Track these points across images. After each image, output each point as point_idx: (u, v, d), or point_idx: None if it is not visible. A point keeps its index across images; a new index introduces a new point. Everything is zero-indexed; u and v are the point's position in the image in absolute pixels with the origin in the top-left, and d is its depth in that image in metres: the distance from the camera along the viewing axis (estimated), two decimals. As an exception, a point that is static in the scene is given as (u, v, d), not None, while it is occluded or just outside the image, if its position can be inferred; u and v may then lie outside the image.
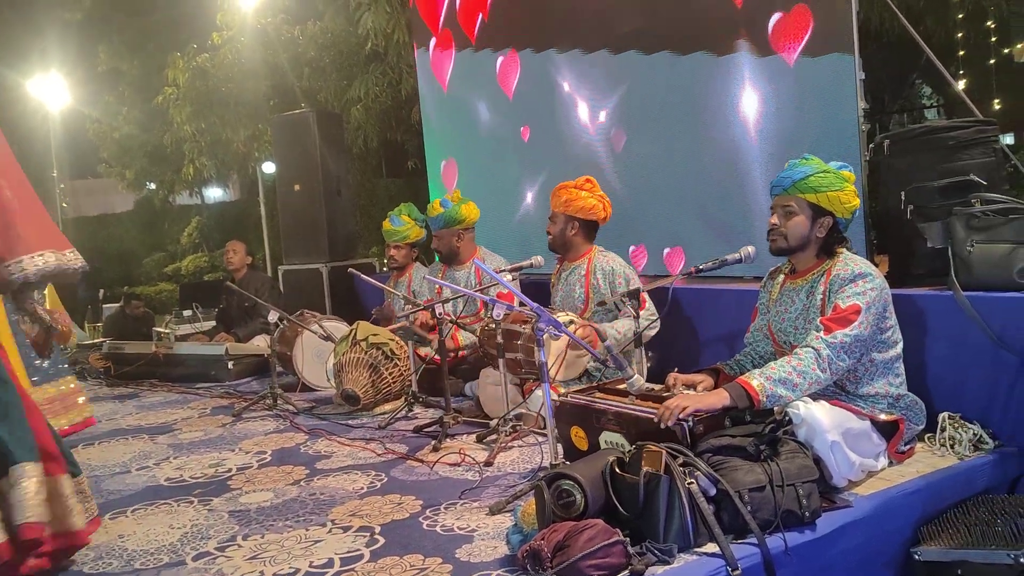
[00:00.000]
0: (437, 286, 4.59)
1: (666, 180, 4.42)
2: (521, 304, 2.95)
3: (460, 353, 4.22)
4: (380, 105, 9.23)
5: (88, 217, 21.84)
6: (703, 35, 4.08)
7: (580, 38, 4.87)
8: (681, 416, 2.28)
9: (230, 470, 3.24)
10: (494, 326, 3.53)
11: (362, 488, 2.88)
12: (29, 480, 2.07)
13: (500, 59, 5.51)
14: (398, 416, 3.81)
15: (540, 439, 3.21)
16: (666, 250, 4.46)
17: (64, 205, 18.73)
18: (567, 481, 2.12)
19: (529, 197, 5.48)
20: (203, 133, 10.98)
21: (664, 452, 2.12)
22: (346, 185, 7.59)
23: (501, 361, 3.20)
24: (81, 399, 3.21)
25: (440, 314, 3.45)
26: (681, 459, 2.15)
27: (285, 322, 4.62)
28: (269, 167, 17.60)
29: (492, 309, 3.13)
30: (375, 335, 4.01)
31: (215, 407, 4.56)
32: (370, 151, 10.90)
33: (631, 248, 4.65)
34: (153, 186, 22.43)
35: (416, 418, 3.83)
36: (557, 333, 2.53)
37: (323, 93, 10.98)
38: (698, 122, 4.17)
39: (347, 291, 7.03)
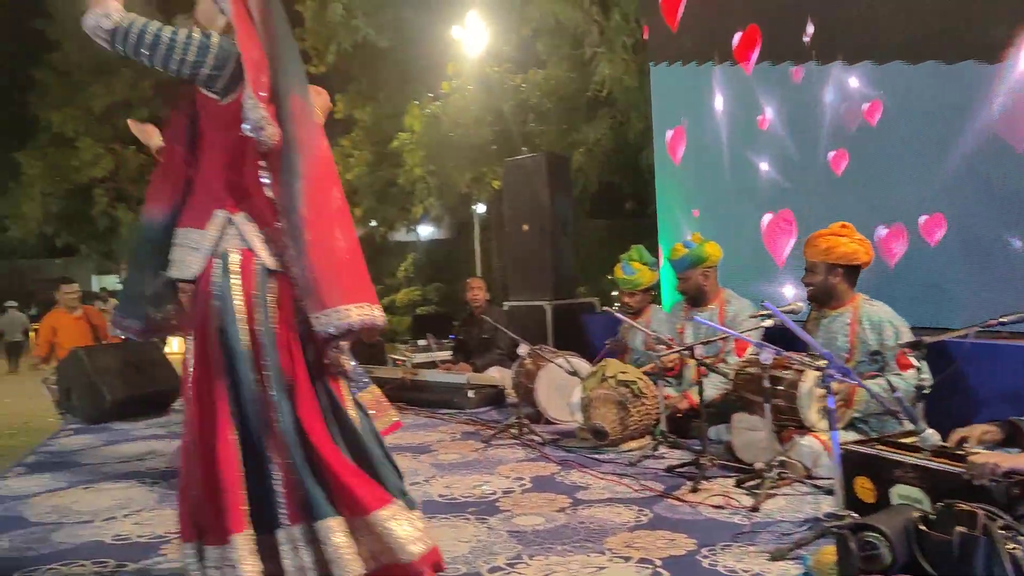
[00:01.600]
0: (679, 326, 4.64)
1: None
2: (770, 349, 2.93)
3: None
4: (601, 148, 9.50)
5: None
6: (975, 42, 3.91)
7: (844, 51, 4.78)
8: (996, 475, 2.17)
9: (495, 492, 3.43)
10: (755, 370, 3.52)
11: (629, 521, 2.95)
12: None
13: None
14: (646, 454, 3.87)
15: (805, 488, 3.16)
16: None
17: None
18: (872, 533, 2.08)
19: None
20: (433, 175, 11.77)
21: (981, 513, 2.03)
22: (570, 226, 7.84)
23: (767, 406, 3.18)
24: (385, 405, 3.52)
25: (700, 356, 3.49)
26: (1000, 522, 2.04)
27: (530, 355, 4.83)
28: (480, 207, 18.50)
29: (760, 353, 3.13)
30: (624, 372, 4.11)
31: (463, 432, 4.84)
32: (586, 193, 11.21)
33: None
34: (374, 223, 24.24)
35: (663, 457, 3.87)
36: (846, 380, 2.49)
37: (542, 138, 11.47)
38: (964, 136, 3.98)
39: (570, 328, 7.22)
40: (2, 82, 26.59)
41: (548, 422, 4.85)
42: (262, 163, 2.26)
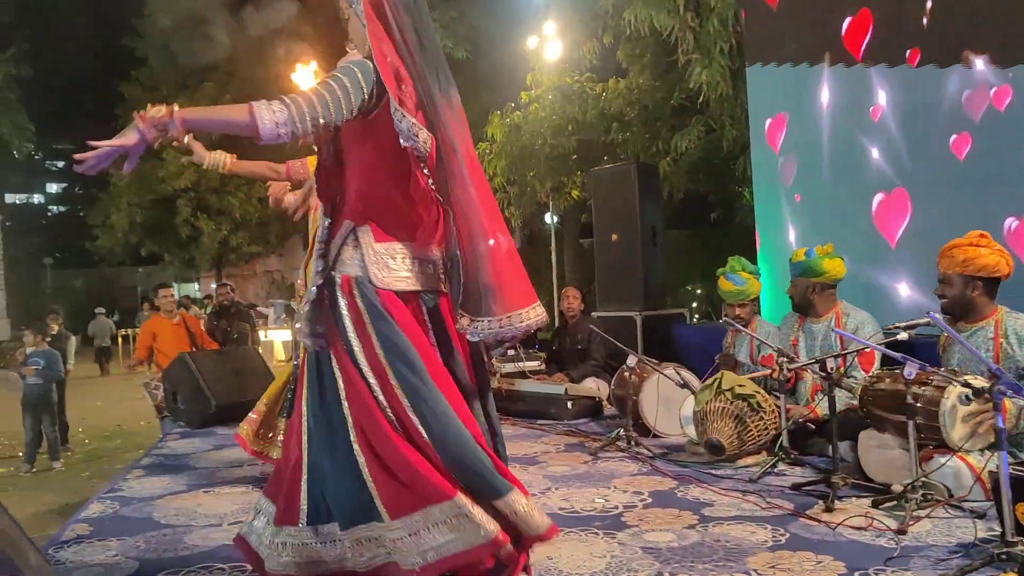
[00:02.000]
0: (792, 338, 4.50)
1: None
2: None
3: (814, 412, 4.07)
4: (688, 157, 9.36)
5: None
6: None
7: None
8: None
9: (617, 507, 3.36)
10: (886, 385, 3.38)
11: (767, 541, 2.84)
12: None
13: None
14: (766, 470, 3.74)
15: (951, 511, 3.01)
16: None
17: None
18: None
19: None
20: (513, 184, 11.78)
21: None
22: (660, 235, 7.72)
23: (911, 424, 3.04)
24: None
25: (832, 368, 3.36)
26: None
27: (638, 366, 4.75)
28: (550, 217, 18.45)
29: (903, 368, 2.99)
30: (741, 386, 4.00)
31: (566, 444, 4.78)
32: (669, 203, 11.07)
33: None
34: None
35: (784, 474, 3.75)
36: (1017, 398, 2.35)
37: (623, 147, 11.37)
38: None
39: (661, 339, 7.10)
40: (93, 97, 27.78)
41: (654, 435, 4.76)
42: (424, 171, 2.24)
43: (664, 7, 6.81)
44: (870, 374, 3.79)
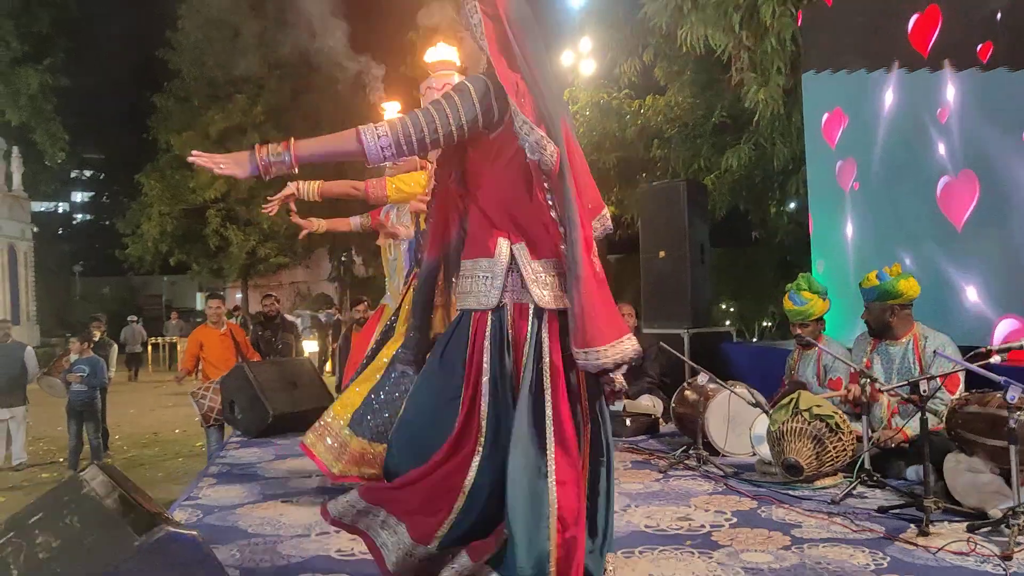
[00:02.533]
0: (865, 360, 4.46)
1: None
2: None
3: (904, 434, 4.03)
4: (732, 175, 9.34)
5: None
6: None
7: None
8: None
9: (703, 526, 3.33)
10: (975, 408, 3.35)
11: (868, 564, 2.81)
12: None
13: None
14: (847, 492, 3.71)
15: (1052, 538, 2.96)
16: None
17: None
18: None
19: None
20: (552, 201, 11.83)
21: None
22: (709, 253, 7.70)
23: (1013, 449, 3.00)
24: None
25: (925, 391, 3.33)
26: None
27: (708, 384, 4.72)
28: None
29: (1005, 392, 2.96)
30: (819, 406, 3.97)
31: (632, 461, 4.76)
32: (712, 221, 11.05)
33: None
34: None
35: (864, 497, 3.71)
36: None
37: (663, 165, 11.37)
38: None
39: (709, 357, 7.06)
40: (126, 108, 28.14)
41: (720, 453, 4.73)
42: (546, 186, 2.25)
43: (720, 25, 6.82)
44: (955, 396, 3.76)
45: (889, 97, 5.63)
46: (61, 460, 9.26)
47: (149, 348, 20.92)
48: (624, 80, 11.55)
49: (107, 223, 31.57)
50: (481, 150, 2.35)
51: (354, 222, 5.09)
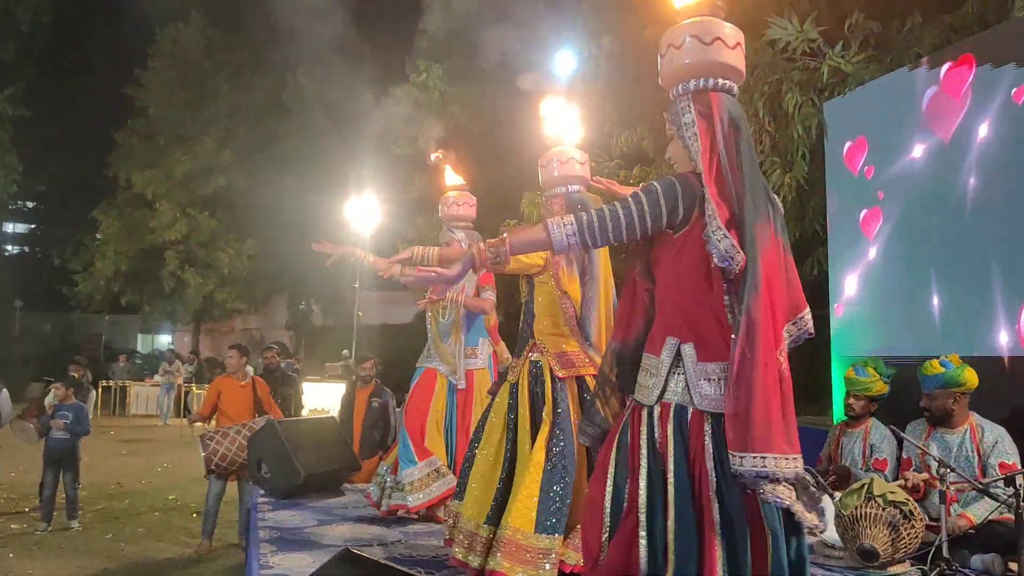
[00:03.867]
0: (919, 450, 4.58)
1: None
2: None
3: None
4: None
5: (373, 325, 23.60)
6: None
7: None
8: None
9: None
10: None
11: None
12: None
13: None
14: (927, 580, 3.78)
15: None
16: None
17: (360, 314, 20.64)
18: None
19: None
20: (541, 263, 11.94)
21: None
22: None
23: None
24: None
25: (954, 480, 3.44)
26: None
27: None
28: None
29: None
30: (892, 492, 4.05)
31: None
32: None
33: None
34: (429, 301, 24.40)
35: (942, 585, 3.78)
36: None
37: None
38: None
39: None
40: (83, 142, 27.51)
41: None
42: (727, 286, 2.28)
43: (745, 110, 7.08)
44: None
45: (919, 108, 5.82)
46: (27, 510, 8.78)
47: (99, 391, 20.08)
48: (617, 151, 11.83)
49: (51, 258, 30.53)
50: (663, 246, 2.41)
51: (396, 270, 5.05)
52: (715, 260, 2.24)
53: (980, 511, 4.18)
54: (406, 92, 17.56)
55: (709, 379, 2.27)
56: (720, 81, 2.42)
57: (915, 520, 4.02)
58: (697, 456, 2.22)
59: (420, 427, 4.70)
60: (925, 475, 4.26)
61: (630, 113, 11.20)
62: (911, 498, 4.11)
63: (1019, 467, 4.17)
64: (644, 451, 2.27)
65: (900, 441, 4.73)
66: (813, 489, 2.27)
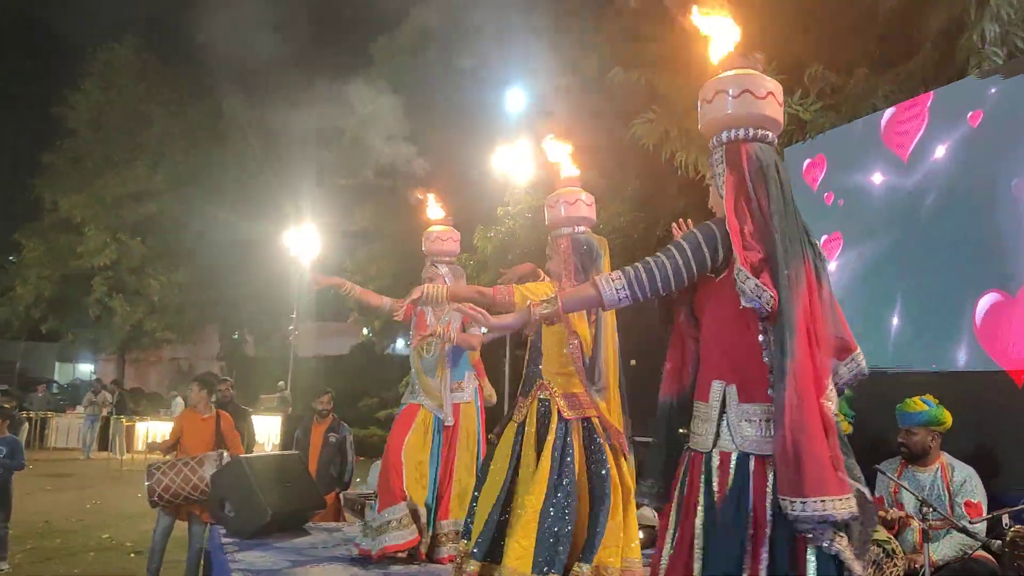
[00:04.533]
0: (891, 485, 4.71)
1: None
2: None
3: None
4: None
5: (308, 357, 23.10)
6: None
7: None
8: None
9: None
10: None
11: None
12: None
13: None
14: (911, 617, 3.86)
15: None
16: None
17: (294, 344, 20.24)
18: None
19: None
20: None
21: None
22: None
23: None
24: None
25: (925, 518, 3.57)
26: None
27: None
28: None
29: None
30: (875, 531, 4.14)
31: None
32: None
33: None
34: (366, 331, 24.13)
35: (925, 621, 3.88)
36: None
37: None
38: None
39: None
40: (6, 162, 26.41)
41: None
42: (762, 326, 2.31)
43: (707, 153, 7.29)
44: (1011, 527, 4.01)
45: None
46: (-53, 553, 8.22)
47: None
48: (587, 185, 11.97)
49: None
50: (706, 291, 2.46)
51: (386, 303, 5.02)
52: (742, 301, 2.28)
53: (947, 550, 4.31)
54: (351, 125, 17.42)
55: (750, 420, 2.30)
56: (752, 131, 2.48)
57: (897, 558, 4.12)
58: (758, 504, 2.22)
59: (395, 468, 4.61)
60: (902, 512, 4.37)
61: (584, 151, 11.41)
62: (893, 536, 4.21)
63: (984, 506, 4.33)
64: (702, 498, 2.28)
65: (873, 479, 4.85)
66: (863, 530, 2.25)
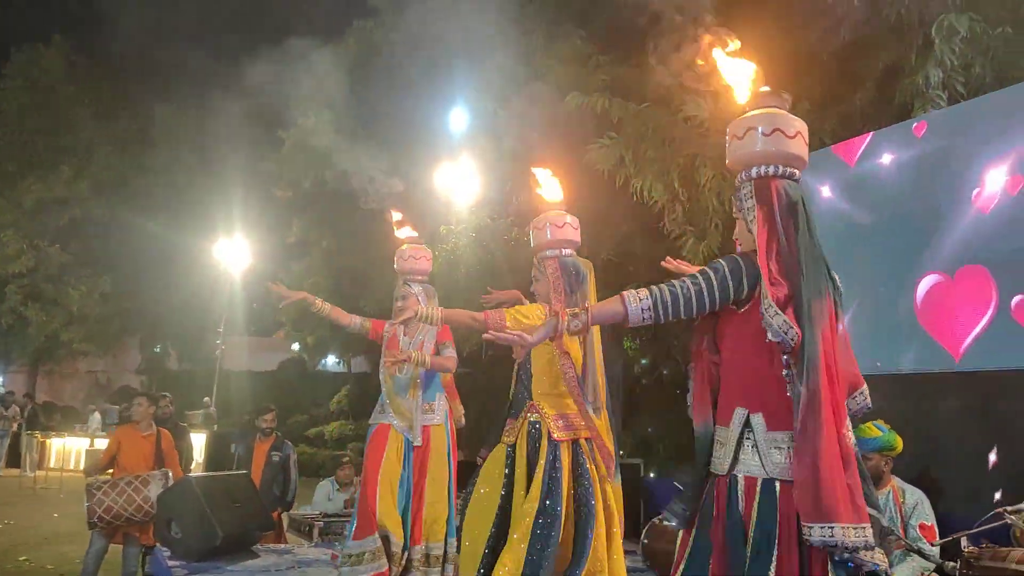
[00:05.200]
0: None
1: None
2: None
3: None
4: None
5: (235, 372, 22.46)
6: None
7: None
8: None
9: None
10: (995, 564, 3.76)
11: None
12: None
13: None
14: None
15: None
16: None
17: (221, 358, 19.70)
18: None
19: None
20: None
21: None
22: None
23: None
24: None
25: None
26: None
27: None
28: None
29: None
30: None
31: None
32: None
33: None
34: (296, 347, 23.67)
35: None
36: None
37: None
38: None
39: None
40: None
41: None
42: (786, 360, 2.36)
43: (661, 180, 7.45)
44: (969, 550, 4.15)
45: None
46: None
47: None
48: (514, 208, 12.01)
49: None
50: (728, 321, 2.52)
51: (355, 322, 4.97)
52: (769, 335, 2.33)
53: (905, 573, 4.45)
54: (291, 136, 17.14)
55: (779, 447, 2.36)
56: (781, 168, 2.54)
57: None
58: (783, 525, 2.27)
59: (372, 493, 4.51)
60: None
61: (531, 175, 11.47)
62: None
63: (936, 529, 4.50)
64: (727, 519, 2.33)
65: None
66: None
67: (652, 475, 7.79)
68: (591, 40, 10.04)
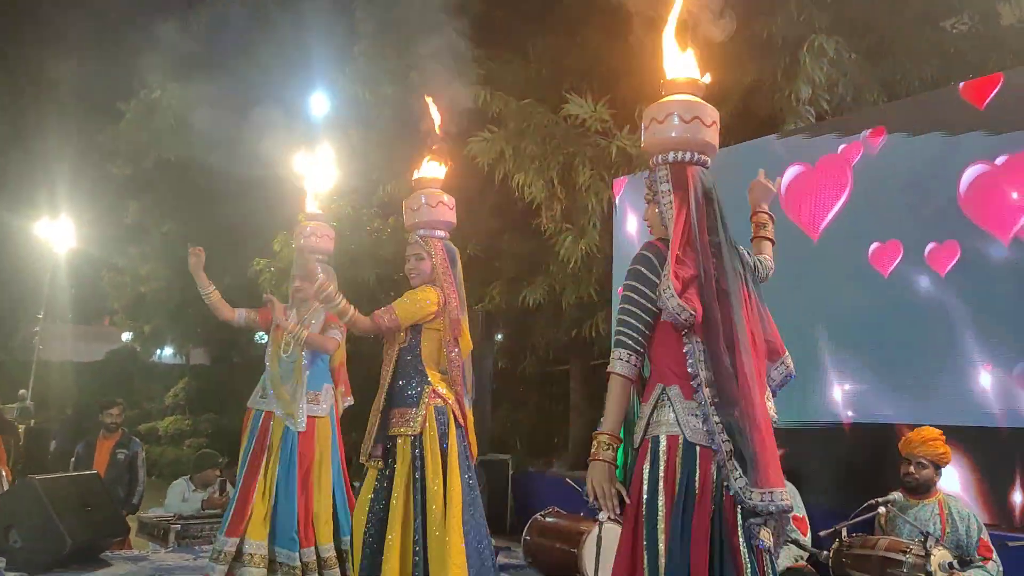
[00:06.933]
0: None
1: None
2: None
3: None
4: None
5: (55, 362, 20.69)
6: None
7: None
8: None
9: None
10: (865, 551, 4.02)
11: None
12: None
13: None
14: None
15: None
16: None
17: (39, 347, 18.16)
18: None
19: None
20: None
21: None
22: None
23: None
24: None
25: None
26: None
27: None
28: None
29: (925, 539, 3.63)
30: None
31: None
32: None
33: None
34: (127, 335, 22.07)
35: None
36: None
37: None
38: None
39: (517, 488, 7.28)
40: None
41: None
42: (684, 337, 2.48)
43: (541, 177, 7.47)
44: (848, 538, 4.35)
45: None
46: None
47: None
48: (377, 199, 11.72)
49: None
50: None
51: (239, 315, 4.66)
52: (663, 315, 2.46)
53: (782, 560, 4.67)
54: (132, 108, 15.85)
55: (694, 414, 2.43)
56: (697, 155, 2.64)
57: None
58: (703, 490, 2.36)
59: (249, 489, 4.22)
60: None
61: (401, 164, 11.19)
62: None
63: (807, 521, 4.78)
64: (646, 482, 2.44)
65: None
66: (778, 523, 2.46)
67: (517, 471, 7.81)
68: (466, 35, 9.95)
